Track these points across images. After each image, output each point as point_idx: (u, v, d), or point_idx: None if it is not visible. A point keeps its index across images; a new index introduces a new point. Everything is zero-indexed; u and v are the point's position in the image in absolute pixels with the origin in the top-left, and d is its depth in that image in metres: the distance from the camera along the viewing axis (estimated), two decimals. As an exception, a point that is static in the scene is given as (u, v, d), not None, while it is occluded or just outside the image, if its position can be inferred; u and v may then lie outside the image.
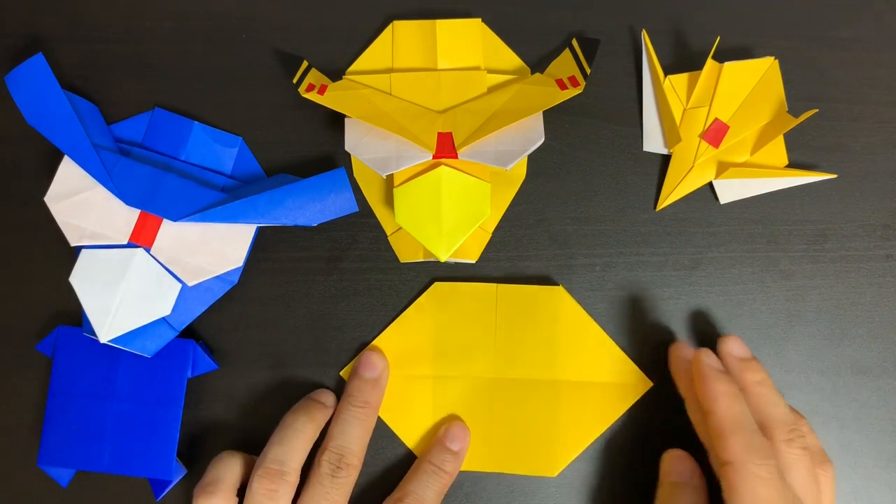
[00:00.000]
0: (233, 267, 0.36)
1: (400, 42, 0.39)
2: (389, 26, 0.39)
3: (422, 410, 0.36)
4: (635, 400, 0.35)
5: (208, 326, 0.37)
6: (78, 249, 0.35)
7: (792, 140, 0.39)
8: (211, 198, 0.35)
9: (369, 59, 0.39)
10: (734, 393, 0.31)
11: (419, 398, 0.36)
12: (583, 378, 0.35)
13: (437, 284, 0.36)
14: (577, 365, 0.35)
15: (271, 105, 0.39)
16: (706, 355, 0.33)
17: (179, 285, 0.35)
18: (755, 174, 0.37)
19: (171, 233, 0.35)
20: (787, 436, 0.31)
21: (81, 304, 0.34)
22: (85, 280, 0.35)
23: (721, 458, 0.29)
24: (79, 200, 0.35)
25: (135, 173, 0.35)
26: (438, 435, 0.35)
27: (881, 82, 0.40)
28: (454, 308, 0.36)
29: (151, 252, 0.35)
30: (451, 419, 0.35)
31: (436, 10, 0.40)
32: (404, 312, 0.36)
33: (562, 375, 0.35)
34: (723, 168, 0.38)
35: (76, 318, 0.36)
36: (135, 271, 0.35)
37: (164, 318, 0.35)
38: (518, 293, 0.36)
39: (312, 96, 0.37)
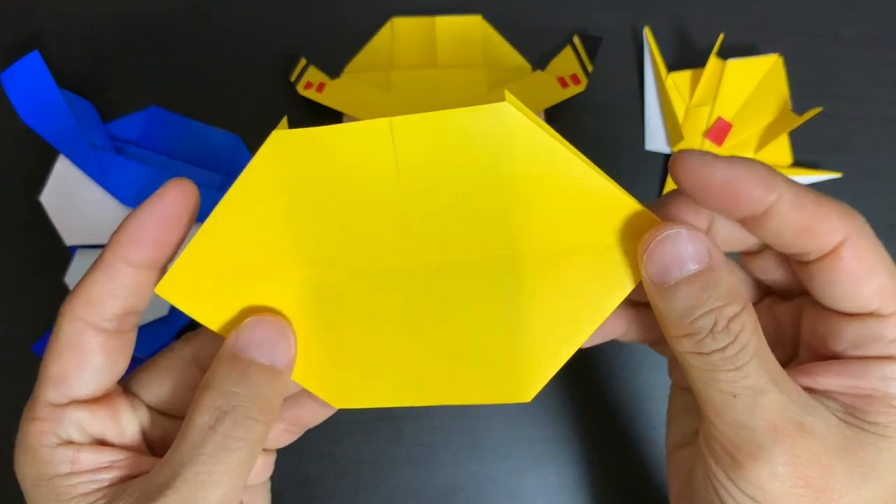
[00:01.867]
0: (230, 267, 0.35)
1: (399, 39, 0.39)
2: (389, 23, 0.39)
3: (304, 329, 0.22)
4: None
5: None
6: (73, 249, 0.35)
7: (796, 138, 0.38)
8: (208, 197, 0.35)
9: (368, 56, 0.39)
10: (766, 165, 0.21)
11: (295, 312, 0.22)
12: (558, 244, 0.21)
13: (276, 133, 0.20)
14: (546, 226, 0.21)
15: (269, 103, 0.38)
16: (687, 156, 0.21)
17: (176, 285, 0.35)
18: (759, 173, 0.37)
19: (167, 232, 0.35)
20: None
21: (77, 304, 0.34)
22: (81, 280, 0.34)
23: (828, 242, 0.20)
24: (74, 199, 0.35)
25: (131, 172, 0.35)
26: (226, 342, 0.21)
27: (886, 80, 0.39)
28: (321, 168, 0.21)
29: (148, 252, 0.35)
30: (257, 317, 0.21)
31: (436, 7, 0.39)
32: (234, 185, 0.21)
33: (524, 245, 0.21)
34: (726, 167, 0.37)
35: (72, 318, 0.36)
36: (131, 271, 0.34)
37: (161, 318, 0.35)
38: (434, 126, 0.20)
39: (311, 94, 0.36)
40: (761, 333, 0.20)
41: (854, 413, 0.20)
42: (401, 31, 0.39)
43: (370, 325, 0.22)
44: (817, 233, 0.20)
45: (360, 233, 0.21)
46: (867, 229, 0.20)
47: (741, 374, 0.19)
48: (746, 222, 0.21)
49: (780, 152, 0.38)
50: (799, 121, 0.36)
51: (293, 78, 0.37)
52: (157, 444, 0.24)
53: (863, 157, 0.39)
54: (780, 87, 0.38)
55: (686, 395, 0.25)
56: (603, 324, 0.22)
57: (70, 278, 0.34)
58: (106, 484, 0.21)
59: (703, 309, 0.20)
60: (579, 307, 0.22)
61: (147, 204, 0.21)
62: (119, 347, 0.22)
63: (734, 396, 0.20)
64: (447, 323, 0.22)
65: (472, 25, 0.39)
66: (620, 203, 0.21)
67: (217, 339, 0.22)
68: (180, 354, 0.24)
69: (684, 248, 0.20)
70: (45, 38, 0.39)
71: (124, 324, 0.22)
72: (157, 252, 0.21)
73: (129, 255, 0.21)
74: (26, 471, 0.21)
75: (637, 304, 0.25)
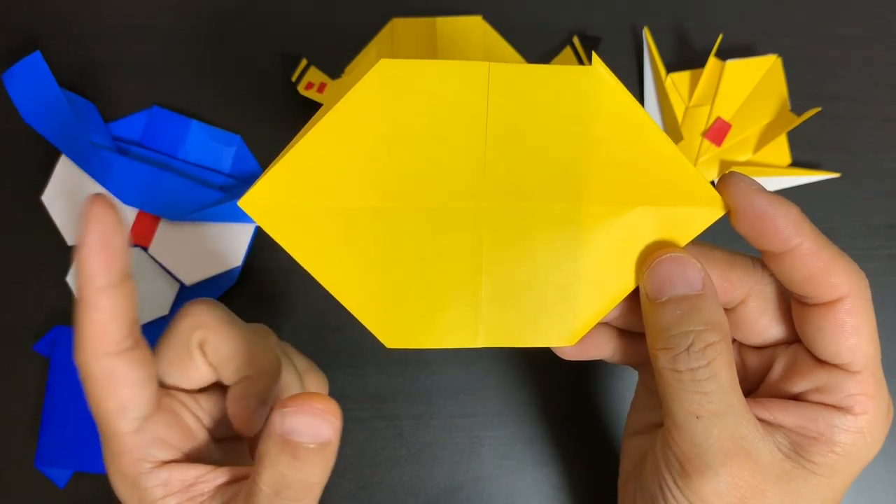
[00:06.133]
0: (232, 267, 0.35)
1: (400, 40, 0.39)
2: (389, 24, 0.39)
3: (370, 260, 0.23)
4: (695, 234, 0.24)
5: (207, 326, 0.36)
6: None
7: (795, 139, 0.38)
8: (209, 197, 0.35)
9: (368, 56, 0.39)
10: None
11: (364, 242, 0.23)
12: (620, 204, 0.23)
13: (384, 62, 0.22)
14: (614, 184, 0.23)
15: (270, 103, 0.38)
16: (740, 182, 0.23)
17: (178, 285, 0.35)
18: (758, 173, 0.37)
19: (169, 232, 0.35)
20: None
21: (79, 303, 0.34)
22: (82, 280, 0.34)
23: (829, 295, 0.23)
24: (76, 199, 0.35)
25: (132, 172, 0.35)
26: (276, 415, 0.21)
27: (885, 80, 0.40)
28: (416, 101, 0.22)
29: (149, 252, 0.35)
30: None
31: (436, 7, 0.40)
32: (334, 108, 0.22)
33: (588, 200, 0.23)
34: (725, 167, 0.37)
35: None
36: (133, 271, 0.35)
37: (162, 318, 0.35)
38: (527, 78, 0.22)
39: (311, 94, 0.36)
40: (733, 367, 0.22)
41: (798, 450, 0.23)
42: (401, 31, 0.39)
43: (433, 264, 0.23)
44: (823, 283, 0.22)
45: (439, 170, 0.22)
46: (867, 294, 0.23)
47: (706, 399, 0.22)
48: (767, 255, 0.23)
49: (778, 152, 0.38)
50: (797, 121, 0.36)
51: (294, 78, 0.37)
52: (212, 426, 0.26)
53: (861, 157, 0.39)
54: (778, 88, 0.39)
55: (649, 396, 0.28)
56: (593, 345, 0.26)
57: (72, 278, 0.34)
58: (199, 501, 0.23)
59: (684, 328, 0.22)
60: (629, 262, 0.23)
61: (87, 232, 0.21)
62: (144, 355, 0.23)
63: (697, 417, 0.22)
64: (508, 266, 0.23)
65: (472, 26, 0.39)
66: (689, 173, 0.23)
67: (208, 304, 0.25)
68: (182, 334, 0.25)
69: (678, 273, 0.22)
70: (46, 39, 0.39)
71: (134, 333, 0.23)
72: (120, 262, 0.22)
73: (102, 282, 0.21)
74: (129, 499, 0.23)
75: (623, 331, 0.27)
